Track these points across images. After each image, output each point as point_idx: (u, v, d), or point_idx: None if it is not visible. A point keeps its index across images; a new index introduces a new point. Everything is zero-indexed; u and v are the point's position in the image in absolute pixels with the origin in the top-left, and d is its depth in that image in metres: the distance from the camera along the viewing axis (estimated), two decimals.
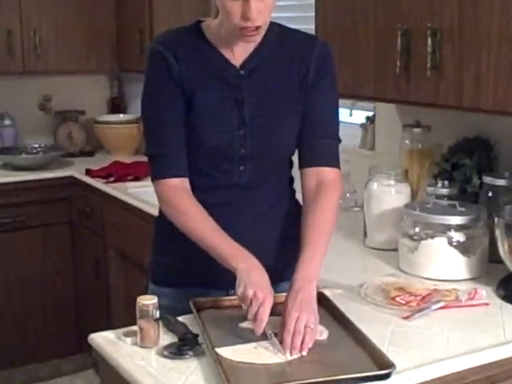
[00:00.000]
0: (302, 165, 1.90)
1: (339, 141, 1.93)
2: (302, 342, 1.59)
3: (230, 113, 1.82)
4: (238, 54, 1.84)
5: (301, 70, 1.86)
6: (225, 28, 1.79)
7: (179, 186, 1.84)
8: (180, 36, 1.86)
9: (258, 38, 1.80)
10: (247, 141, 1.83)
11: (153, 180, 1.87)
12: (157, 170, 1.86)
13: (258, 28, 1.73)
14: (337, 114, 1.93)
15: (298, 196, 1.99)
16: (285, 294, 1.73)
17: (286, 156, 1.93)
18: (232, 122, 1.82)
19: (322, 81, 1.87)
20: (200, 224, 1.80)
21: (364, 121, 3.08)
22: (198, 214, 1.82)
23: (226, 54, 1.83)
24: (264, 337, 1.63)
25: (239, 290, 1.66)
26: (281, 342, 1.60)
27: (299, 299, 1.65)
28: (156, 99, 1.84)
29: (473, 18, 1.98)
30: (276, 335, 1.63)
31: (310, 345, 1.59)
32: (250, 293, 1.64)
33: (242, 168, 1.86)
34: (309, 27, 2.58)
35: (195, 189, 1.86)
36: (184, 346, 1.63)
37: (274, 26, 1.87)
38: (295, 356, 1.57)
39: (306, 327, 1.60)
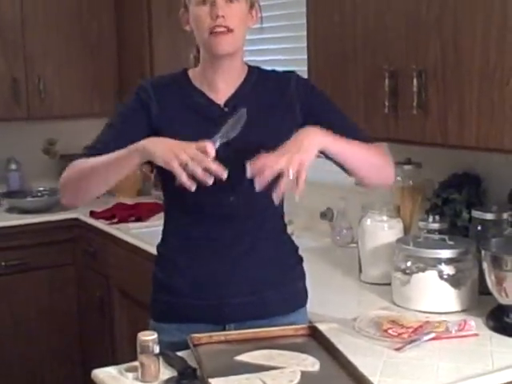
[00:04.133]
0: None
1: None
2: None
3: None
4: (222, 94, 1.94)
5: (282, 103, 1.95)
6: (203, 54, 1.91)
7: None
8: (166, 80, 1.99)
9: (232, 48, 1.88)
10: (232, 173, 1.89)
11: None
12: (78, 156, 1.94)
13: (229, 31, 1.84)
14: (347, 119, 2.01)
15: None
16: (276, 328, 1.80)
17: None
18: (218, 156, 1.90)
19: (316, 102, 1.98)
20: (91, 161, 1.85)
21: None
22: (89, 160, 1.86)
23: (210, 94, 1.94)
24: (257, 369, 1.69)
25: (169, 161, 1.67)
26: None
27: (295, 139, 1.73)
28: (119, 116, 1.96)
29: (454, 58, 2.06)
30: None
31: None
32: (183, 156, 1.65)
33: (231, 199, 1.92)
34: (301, 69, 2.68)
35: (188, 223, 1.95)
36: (183, 380, 1.68)
37: (254, 69, 2.00)
38: None
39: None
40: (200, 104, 1.94)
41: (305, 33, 2.68)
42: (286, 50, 3.39)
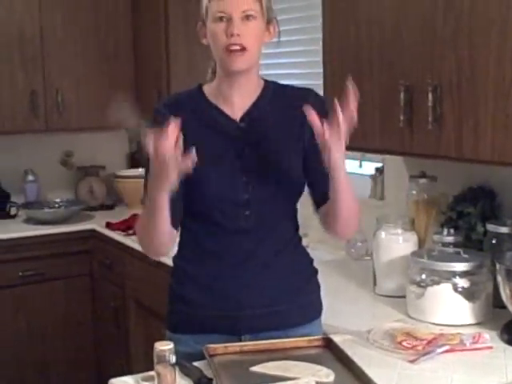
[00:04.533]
0: (320, 206, 1.98)
1: None
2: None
3: (232, 162, 1.93)
4: (237, 108, 1.96)
5: (297, 121, 1.94)
6: (218, 69, 1.92)
7: None
8: (182, 99, 2.00)
9: (246, 65, 1.89)
10: (249, 187, 1.93)
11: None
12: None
13: (243, 50, 1.86)
14: None
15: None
16: (291, 339, 1.83)
17: (289, 201, 2.02)
18: (234, 170, 1.93)
19: None
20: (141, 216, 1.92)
21: (373, 172, 3.18)
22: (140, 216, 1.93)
23: (226, 109, 1.95)
24: (272, 380, 1.70)
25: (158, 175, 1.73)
26: None
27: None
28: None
29: (470, 73, 2.08)
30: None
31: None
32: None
33: (247, 213, 1.94)
34: (317, 83, 2.71)
35: (205, 235, 1.96)
36: None
37: (270, 83, 2.01)
38: None
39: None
40: (216, 120, 1.96)
41: (320, 47, 2.70)
42: (301, 64, 3.42)
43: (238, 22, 1.84)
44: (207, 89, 2.00)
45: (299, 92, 2.02)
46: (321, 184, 1.92)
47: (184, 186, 1.94)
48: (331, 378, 1.73)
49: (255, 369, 1.77)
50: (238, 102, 1.96)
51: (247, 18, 1.86)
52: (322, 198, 1.95)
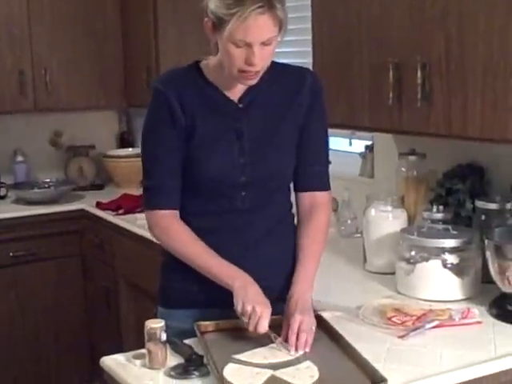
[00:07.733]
0: (297, 189, 2.05)
1: (329, 163, 2.07)
2: (306, 340, 1.77)
3: (231, 143, 1.93)
4: (236, 90, 1.94)
5: (295, 101, 1.97)
6: (224, 69, 1.88)
7: (170, 215, 1.97)
8: (181, 76, 1.97)
9: (256, 81, 1.89)
10: (247, 169, 1.94)
11: (146, 208, 2.01)
12: (151, 200, 1.99)
13: (257, 72, 1.84)
14: (327, 140, 2.07)
15: None
16: (281, 316, 1.85)
17: (284, 182, 2.04)
18: (232, 152, 1.93)
19: (314, 112, 1.99)
20: (192, 247, 1.94)
21: (363, 150, 3.18)
22: (188, 238, 1.95)
23: (225, 90, 1.94)
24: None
25: (238, 307, 1.79)
26: (285, 341, 1.78)
27: (300, 306, 1.84)
28: (156, 137, 1.95)
29: (459, 51, 2.08)
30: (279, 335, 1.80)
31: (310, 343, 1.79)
32: (249, 308, 1.77)
33: (243, 193, 1.96)
34: (307, 61, 2.70)
35: (201, 213, 1.98)
36: (190, 366, 1.72)
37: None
38: (300, 352, 1.76)
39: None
40: (215, 100, 1.94)
41: (310, 25, 2.69)
42: (291, 43, 3.40)
43: (257, 50, 1.79)
44: (206, 67, 1.96)
45: (298, 72, 2.01)
46: (300, 162, 2.00)
47: (183, 165, 1.95)
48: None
49: (238, 357, 1.74)
50: (237, 85, 1.94)
51: (267, 41, 1.80)
52: (298, 176, 2.02)
